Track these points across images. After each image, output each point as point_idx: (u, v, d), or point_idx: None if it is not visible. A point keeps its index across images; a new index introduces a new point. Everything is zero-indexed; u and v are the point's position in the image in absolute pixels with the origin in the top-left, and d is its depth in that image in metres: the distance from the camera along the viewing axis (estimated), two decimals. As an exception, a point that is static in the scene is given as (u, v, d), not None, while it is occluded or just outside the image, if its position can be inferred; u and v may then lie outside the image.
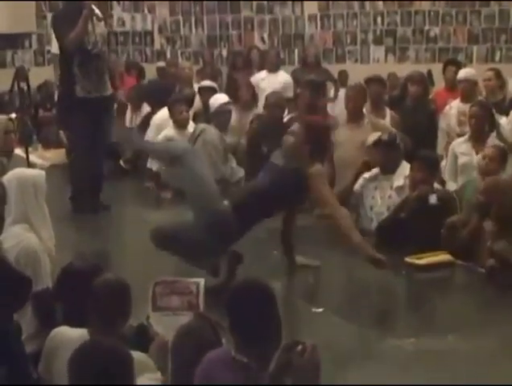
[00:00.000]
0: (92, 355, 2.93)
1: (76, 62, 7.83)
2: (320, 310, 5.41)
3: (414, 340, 4.89)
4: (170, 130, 8.95)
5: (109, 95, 8.27)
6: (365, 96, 7.96)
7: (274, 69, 10.98)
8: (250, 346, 3.20)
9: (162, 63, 13.10)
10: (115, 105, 9.67)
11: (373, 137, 7.27)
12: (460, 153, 7.54)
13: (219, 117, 8.56)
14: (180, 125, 8.96)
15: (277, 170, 5.85)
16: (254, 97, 9.69)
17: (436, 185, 6.79)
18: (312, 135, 5.97)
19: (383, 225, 6.67)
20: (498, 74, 8.91)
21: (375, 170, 7.14)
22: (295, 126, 6.14)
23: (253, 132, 8.63)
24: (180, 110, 8.99)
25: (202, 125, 8.57)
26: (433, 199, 6.42)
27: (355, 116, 7.84)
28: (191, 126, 8.98)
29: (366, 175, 7.17)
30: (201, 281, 4.02)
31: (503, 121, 7.89)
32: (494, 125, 7.59)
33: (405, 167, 6.95)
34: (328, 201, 5.75)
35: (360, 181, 7.20)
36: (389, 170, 7.04)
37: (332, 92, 11.16)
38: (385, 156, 7.07)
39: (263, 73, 11.01)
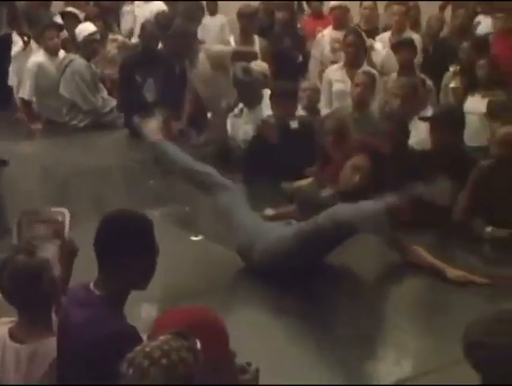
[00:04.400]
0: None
1: None
2: (199, 238, 5.37)
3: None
4: (40, 56, 8.61)
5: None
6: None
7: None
8: (110, 280, 2.98)
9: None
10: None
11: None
12: (334, 80, 7.60)
13: (86, 47, 8.42)
14: (51, 51, 8.61)
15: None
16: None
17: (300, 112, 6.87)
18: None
19: (249, 151, 6.62)
20: (375, 3, 9.15)
21: (240, 106, 7.10)
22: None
23: (126, 61, 8.40)
24: (51, 36, 8.62)
25: (70, 56, 8.45)
26: (294, 124, 6.46)
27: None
28: (61, 53, 8.72)
29: (232, 114, 7.14)
30: (66, 211, 3.82)
31: (378, 45, 8.04)
32: (366, 52, 7.72)
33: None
34: (395, 244, 5.03)
35: (228, 122, 7.19)
36: (252, 103, 6.98)
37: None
38: (243, 92, 7.00)
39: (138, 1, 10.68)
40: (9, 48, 8.05)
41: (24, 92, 8.59)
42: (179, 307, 2.90)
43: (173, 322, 2.56)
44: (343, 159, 6.04)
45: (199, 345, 2.37)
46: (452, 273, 4.83)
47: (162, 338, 2.33)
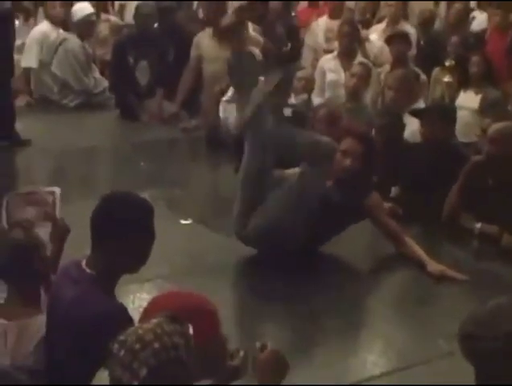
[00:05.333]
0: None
1: None
2: (188, 221, 5.37)
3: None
4: (44, 25, 8.54)
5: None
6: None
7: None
8: (103, 260, 2.97)
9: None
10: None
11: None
12: (328, 70, 7.61)
13: (82, 27, 8.38)
14: (53, 20, 8.50)
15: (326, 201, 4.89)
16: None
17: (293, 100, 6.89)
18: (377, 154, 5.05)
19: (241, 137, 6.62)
20: None
21: (231, 92, 7.05)
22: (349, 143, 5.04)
23: (119, 43, 8.38)
24: (53, 5, 8.52)
25: (64, 34, 8.41)
26: (288, 112, 6.46)
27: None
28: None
29: (224, 98, 7.12)
30: (56, 190, 3.85)
31: (373, 37, 8.07)
32: (360, 43, 7.74)
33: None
34: (391, 232, 5.03)
35: (221, 107, 7.16)
36: (244, 89, 6.93)
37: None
38: (236, 76, 6.97)
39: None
40: (12, 23, 7.86)
41: (29, 60, 8.42)
42: (169, 291, 2.91)
43: (164, 306, 2.55)
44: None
45: (191, 330, 2.38)
46: (432, 266, 4.82)
47: (154, 321, 2.33)
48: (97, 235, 3.00)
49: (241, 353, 2.94)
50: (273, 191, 4.81)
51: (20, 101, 8.14)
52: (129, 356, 2.24)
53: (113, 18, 9.71)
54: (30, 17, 9.67)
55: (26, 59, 8.44)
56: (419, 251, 4.96)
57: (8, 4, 6.85)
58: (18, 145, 6.88)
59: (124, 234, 2.95)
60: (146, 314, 2.59)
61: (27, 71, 8.47)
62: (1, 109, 6.87)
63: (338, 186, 4.93)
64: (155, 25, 8.30)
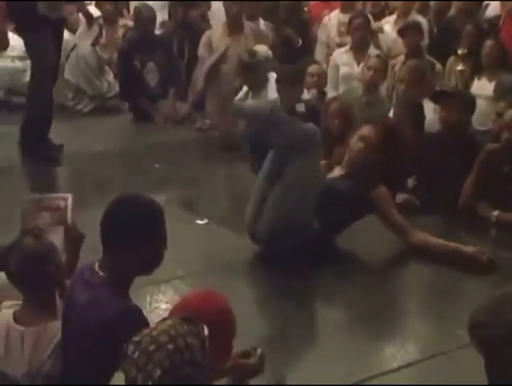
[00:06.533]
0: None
1: None
2: (204, 221, 5.37)
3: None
4: None
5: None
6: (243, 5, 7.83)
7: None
8: (114, 263, 2.95)
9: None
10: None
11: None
12: (341, 64, 7.62)
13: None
14: (69, 27, 8.41)
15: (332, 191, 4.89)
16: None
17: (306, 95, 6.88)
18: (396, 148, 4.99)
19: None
20: None
21: (245, 90, 7.10)
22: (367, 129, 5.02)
23: (123, 48, 8.41)
24: (71, 11, 8.36)
25: (73, 41, 8.49)
26: (301, 107, 6.43)
27: (236, 24, 7.72)
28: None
29: (237, 97, 7.11)
30: (69, 196, 3.83)
31: (387, 28, 8.12)
32: (372, 35, 7.77)
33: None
34: (398, 226, 4.95)
35: (234, 108, 7.08)
36: (257, 87, 6.97)
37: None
38: (249, 76, 7.00)
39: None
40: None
41: None
42: (196, 292, 2.94)
43: (187, 308, 2.59)
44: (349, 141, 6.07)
45: (206, 331, 2.38)
46: (464, 247, 4.80)
47: (169, 322, 2.34)
48: (106, 238, 2.98)
49: (258, 351, 2.96)
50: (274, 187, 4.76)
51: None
52: (143, 358, 2.25)
53: (130, 23, 9.72)
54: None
55: None
56: (437, 240, 4.91)
57: (62, 12, 6.85)
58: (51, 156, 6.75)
59: (133, 237, 2.92)
60: (172, 315, 2.59)
61: None
62: (41, 118, 6.78)
63: (347, 175, 4.91)
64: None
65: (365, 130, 4.98)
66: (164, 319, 2.47)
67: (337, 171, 5.18)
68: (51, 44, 6.57)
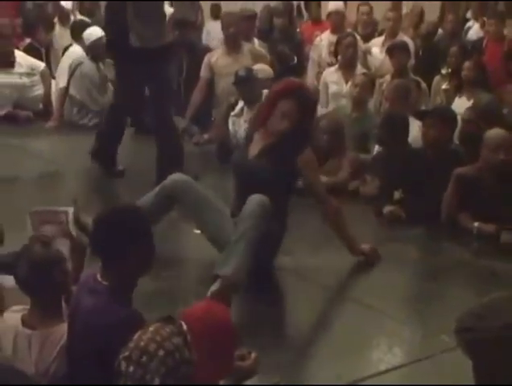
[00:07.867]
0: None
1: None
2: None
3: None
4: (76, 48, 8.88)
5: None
6: (239, 26, 8.12)
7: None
8: (112, 271, 3.08)
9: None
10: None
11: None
12: (330, 82, 7.88)
13: (94, 50, 8.59)
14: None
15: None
16: None
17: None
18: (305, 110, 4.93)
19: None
20: (371, 9, 9.41)
21: (240, 105, 7.31)
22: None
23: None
24: None
25: (79, 58, 8.66)
26: None
27: (234, 45, 8.02)
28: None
29: (233, 112, 7.37)
30: (70, 210, 4.00)
31: (375, 50, 8.39)
32: (361, 55, 8.07)
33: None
34: (320, 192, 4.96)
35: (230, 121, 7.40)
36: (252, 102, 7.16)
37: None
38: (244, 90, 7.24)
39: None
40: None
41: (64, 81, 8.70)
42: (196, 305, 2.95)
43: (189, 321, 2.61)
44: (339, 156, 6.36)
45: (184, 326, 2.47)
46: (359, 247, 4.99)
47: (151, 329, 2.41)
48: (97, 250, 3.17)
49: (253, 355, 3.04)
50: None
51: (53, 122, 8.53)
52: (139, 371, 2.33)
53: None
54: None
55: (63, 79, 8.74)
56: (347, 227, 4.96)
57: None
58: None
59: (120, 244, 3.06)
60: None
61: (63, 90, 8.73)
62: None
63: (271, 148, 4.84)
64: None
65: (284, 106, 4.83)
66: (146, 327, 2.51)
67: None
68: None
